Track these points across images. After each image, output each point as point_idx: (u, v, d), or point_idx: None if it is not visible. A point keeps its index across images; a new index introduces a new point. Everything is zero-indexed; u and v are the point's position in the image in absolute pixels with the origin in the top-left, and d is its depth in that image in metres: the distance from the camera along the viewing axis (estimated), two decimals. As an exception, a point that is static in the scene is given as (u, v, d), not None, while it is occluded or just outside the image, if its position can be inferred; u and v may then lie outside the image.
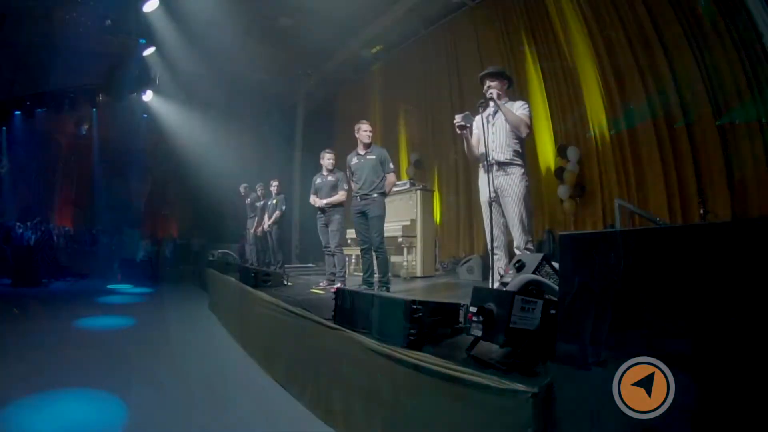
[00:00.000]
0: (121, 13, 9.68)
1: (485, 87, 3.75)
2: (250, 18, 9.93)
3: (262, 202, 9.11)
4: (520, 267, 2.87)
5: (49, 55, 11.33)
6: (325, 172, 6.30)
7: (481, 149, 3.63)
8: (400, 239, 7.35)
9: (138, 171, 17.31)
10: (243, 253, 11.41)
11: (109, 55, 11.44)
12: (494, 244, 3.65)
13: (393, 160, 5.51)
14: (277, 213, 8.20)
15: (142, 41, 10.71)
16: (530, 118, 3.67)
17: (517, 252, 3.60)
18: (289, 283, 6.37)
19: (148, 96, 13.25)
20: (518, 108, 3.67)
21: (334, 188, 6.12)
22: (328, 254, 6.14)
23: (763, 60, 5.43)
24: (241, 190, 9.96)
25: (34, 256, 11.54)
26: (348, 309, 3.25)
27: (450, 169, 10.11)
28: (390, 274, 5.37)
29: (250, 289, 5.60)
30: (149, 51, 11.20)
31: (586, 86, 7.59)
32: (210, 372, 4.64)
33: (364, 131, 5.30)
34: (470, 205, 9.27)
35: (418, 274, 7.53)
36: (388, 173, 5.28)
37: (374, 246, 5.13)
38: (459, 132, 3.75)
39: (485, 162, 3.66)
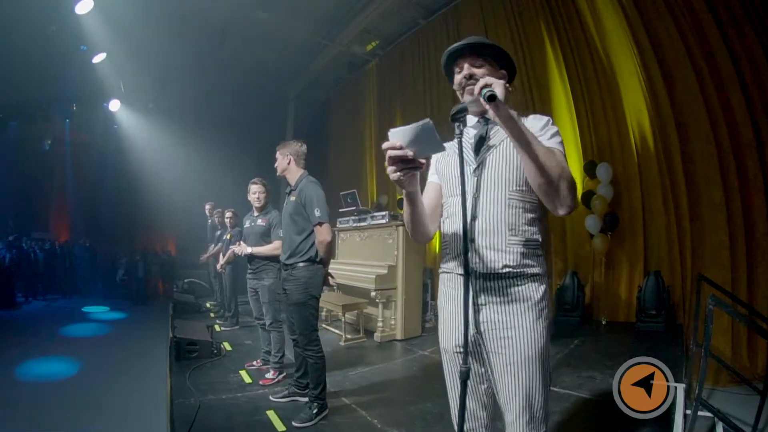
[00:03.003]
0: (63, 20, 8.55)
1: (460, 77, 1.71)
2: (223, 14, 8.91)
3: (219, 232, 7.58)
4: None
5: (22, 65, 10.26)
6: (255, 213, 4.52)
7: (449, 228, 1.70)
8: (373, 293, 5.69)
9: (112, 183, 16.56)
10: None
11: (66, 63, 10.29)
12: None
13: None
14: (230, 252, 6.66)
15: (83, 48, 9.51)
16: (564, 155, 1.54)
17: None
18: (223, 354, 4.99)
19: (114, 105, 12.20)
20: (541, 130, 1.57)
21: (265, 236, 4.39)
22: (261, 328, 4.51)
23: None
24: (207, 209, 8.27)
25: (9, 275, 11.02)
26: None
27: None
28: (325, 389, 3.35)
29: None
30: (99, 57, 9.95)
31: (624, 84, 5.91)
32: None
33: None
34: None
35: (398, 336, 5.81)
36: (316, 225, 3.35)
37: (300, 343, 3.40)
38: (396, 176, 1.44)
39: (457, 259, 1.66)
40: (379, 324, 5.76)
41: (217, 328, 6.38)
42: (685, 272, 5.23)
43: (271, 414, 3.28)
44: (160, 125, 12.66)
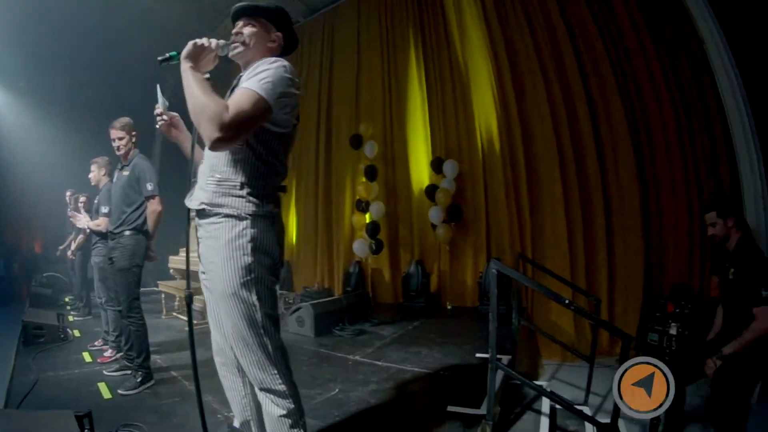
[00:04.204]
0: None
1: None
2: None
3: (71, 218, 7.06)
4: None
5: None
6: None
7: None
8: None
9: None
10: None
11: None
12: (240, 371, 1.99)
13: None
14: (81, 237, 6.38)
15: None
16: (261, 94, 1.59)
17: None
18: (71, 339, 4.88)
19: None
20: (248, 74, 1.70)
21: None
22: (101, 306, 4.55)
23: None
24: (67, 196, 7.70)
25: None
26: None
27: (310, 176, 8.50)
28: (149, 358, 3.48)
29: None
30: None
31: (477, 89, 6.42)
32: None
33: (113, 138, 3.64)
34: (329, 221, 7.98)
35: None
36: (149, 197, 3.52)
37: (123, 311, 3.49)
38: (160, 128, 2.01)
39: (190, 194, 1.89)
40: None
41: (70, 318, 6.15)
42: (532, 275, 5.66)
43: (101, 385, 3.38)
44: (33, 108, 11.42)
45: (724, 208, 2.96)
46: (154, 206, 3.52)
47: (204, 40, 1.68)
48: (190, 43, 1.67)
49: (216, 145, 1.55)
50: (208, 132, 1.51)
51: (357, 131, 6.99)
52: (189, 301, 1.77)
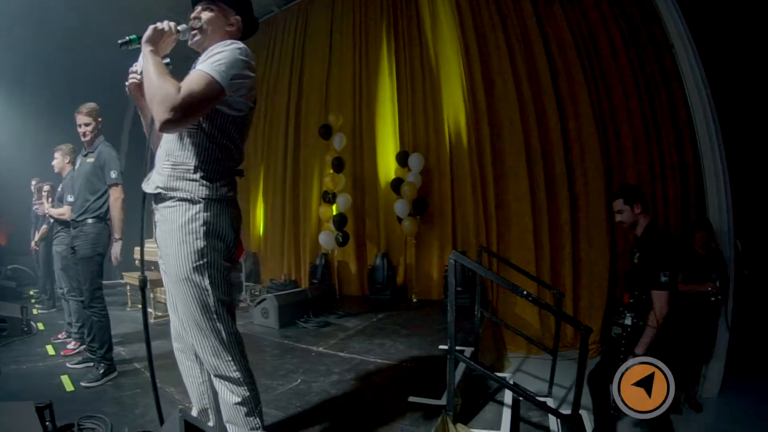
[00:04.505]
0: None
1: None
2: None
3: (35, 207, 6.80)
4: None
5: None
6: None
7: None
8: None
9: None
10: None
11: None
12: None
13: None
14: (44, 227, 6.15)
15: None
16: (214, 76, 1.57)
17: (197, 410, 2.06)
18: (35, 332, 4.83)
19: None
20: (206, 55, 1.69)
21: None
22: (63, 298, 4.44)
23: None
24: (32, 185, 7.34)
25: None
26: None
27: (278, 167, 8.31)
28: (111, 349, 3.39)
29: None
30: None
31: (447, 84, 6.43)
32: None
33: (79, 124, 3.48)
34: (296, 213, 7.86)
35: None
36: (112, 185, 3.43)
37: (85, 302, 3.38)
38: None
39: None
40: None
41: (34, 311, 6.02)
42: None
43: (64, 378, 3.33)
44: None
45: (631, 195, 3.04)
46: (116, 194, 3.44)
47: (164, 24, 1.68)
48: (150, 27, 1.66)
49: (166, 126, 1.53)
50: (159, 114, 1.50)
51: (326, 122, 6.88)
52: (143, 285, 1.77)
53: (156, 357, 2.83)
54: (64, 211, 4.07)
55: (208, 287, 1.70)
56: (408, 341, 4.27)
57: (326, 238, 6.59)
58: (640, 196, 3.03)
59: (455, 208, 6.25)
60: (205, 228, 1.68)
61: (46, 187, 6.10)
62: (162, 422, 1.79)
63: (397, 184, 6.30)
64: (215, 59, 1.61)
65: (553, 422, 2.92)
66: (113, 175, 3.40)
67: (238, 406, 1.79)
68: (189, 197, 1.68)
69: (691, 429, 3.59)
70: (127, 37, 1.69)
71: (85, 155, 3.53)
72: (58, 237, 4.34)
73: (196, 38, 1.81)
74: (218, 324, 1.73)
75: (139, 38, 1.67)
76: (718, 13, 4.79)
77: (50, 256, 6.03)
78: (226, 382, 1.79)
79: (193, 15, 1.83)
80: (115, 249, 3.58)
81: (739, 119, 4.88)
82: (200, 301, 1.70)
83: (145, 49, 1.63)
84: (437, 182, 6.43)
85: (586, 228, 5.27)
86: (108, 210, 3.47)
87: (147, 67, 1.59)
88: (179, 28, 1.73)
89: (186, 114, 1.52)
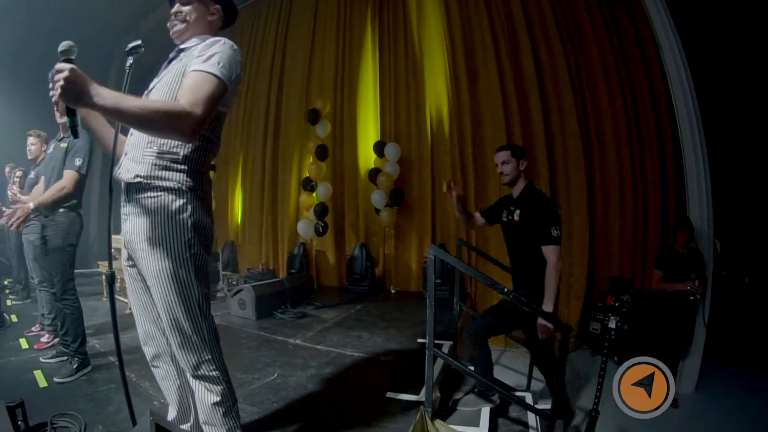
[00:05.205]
0: None
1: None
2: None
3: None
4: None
5: None
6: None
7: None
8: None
9: None
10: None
11: None
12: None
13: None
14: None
15: None
16: (227, 82, 1.53)
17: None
18: (8, 325, 4.68)
19: None
20: (200, 52, 1.56)
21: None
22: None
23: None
24: (6, 171, 7.04)
25: None
26: None
27: (257, 155, 8.13)
28: (85, 343, 3.32)
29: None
30: None
31: (430, 75, 6.37)
32: None
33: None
34: (275, 201, 7.72)
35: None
36: (69, 170, 3.21)
37: (57, 294, 3.26)
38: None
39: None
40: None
41: (8, 302, 5.80)
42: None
43: (37, 373, 3.22)
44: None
45: (519, 150, 3.07)
46: (66, 182, 3.19)
47: (65, 71, 1.27)
48: (61, 86, 1.26)
49: (196, 135, 1.48)
50: (188, 133, 1.42)
51: (314, 106, 6.77)
52: (111, 281, 1.66)
53: (131, 350, 2.78)
54: (29, 200, 3.82)
55: (194, 281, 1.63)
56: (386, 333, 4.25)
57: (305, 227, 6.50)
58: (525, 157, 3.07)
59: (435, 199, 6.22)
60: (192, 219, 1.61)
61: (18, 173, 5.91)
62: (134, 422, 1.72)
63: (374, 174, 6.25)
64: (216, 60, 1.53)
65: (531, 417, 2.94)
66: (77, 162, 3.21)
67: (215, 406, 1.73)
68: (176, 187, 1.58)
69: (668, 424, 3.65)
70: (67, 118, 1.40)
71: (60, 140, 3.37)
72: (30, 225, 4.11)
73: (177, 27, 1.73)
74: (200, 320, 1.66)
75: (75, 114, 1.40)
76: (703, 12, 4.84)
77: (22, 245, 5.86)
78: (205, 382, 1.72)
79: (174, 10, 1.75)
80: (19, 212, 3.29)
81: (722, 120, 4.95)
82: (185, 296, 1.62)
83: (95, 102, 1.29)
84: (417, 173, 6.40)
85: (567, 224, 5.25)
86: (81, 200, 3.34)
87: (120, 112, 1.32)
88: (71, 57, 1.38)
89: (209, 115, 1.47)
